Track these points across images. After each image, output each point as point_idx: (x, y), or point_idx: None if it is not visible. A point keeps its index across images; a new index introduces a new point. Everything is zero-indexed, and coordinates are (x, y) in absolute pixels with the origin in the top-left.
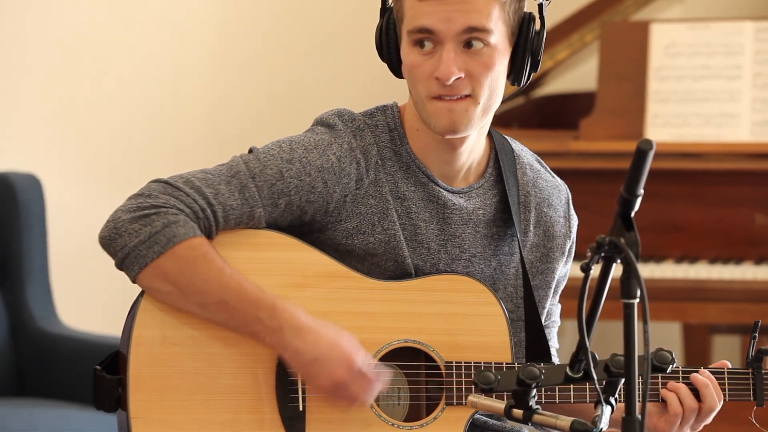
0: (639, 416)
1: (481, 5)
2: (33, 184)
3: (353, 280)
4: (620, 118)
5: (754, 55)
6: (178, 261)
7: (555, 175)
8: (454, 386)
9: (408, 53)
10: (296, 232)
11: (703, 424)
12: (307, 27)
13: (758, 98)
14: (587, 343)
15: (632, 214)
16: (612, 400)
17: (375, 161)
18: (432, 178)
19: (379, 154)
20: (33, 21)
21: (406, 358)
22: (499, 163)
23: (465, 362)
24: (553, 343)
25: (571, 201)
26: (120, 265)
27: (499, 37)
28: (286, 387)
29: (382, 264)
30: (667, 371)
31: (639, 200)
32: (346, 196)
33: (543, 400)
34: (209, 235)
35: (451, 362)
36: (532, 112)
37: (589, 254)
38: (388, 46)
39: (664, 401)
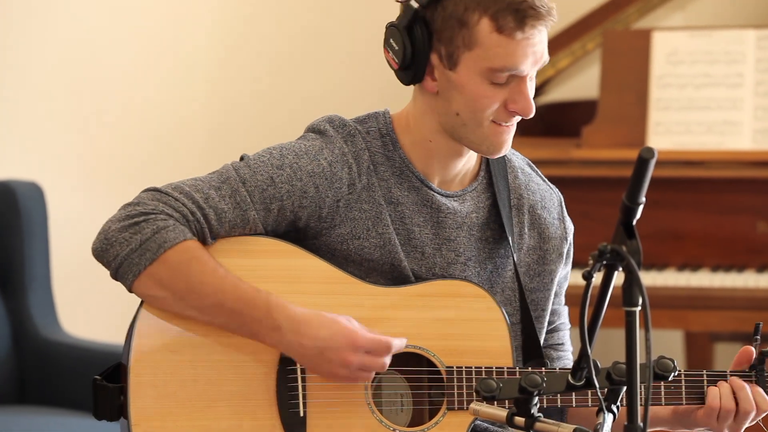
0: (641, 424)
1: (546, 37)
2: (35, 191)
3: (352, 285)
4: (622, 126)
5: (755, 63)
6: (171, 266)
7: (546, 180)
8: (455, 391)
9: (478, 84)
10: (293, 239)
11: (744, 427)
12: (307, 36)
13: (760, 106)
14: (589, 351)
15: (634, 222)
16: (614, 407)
17: (367, 166)
18: (425, 182)
19: (371, 159)
20: (35, 29)
21: (406, 364)
22: (490, 167)
23: (466, 367)
24: (568, 346)
25: (564, 204)
26: (114, 275)
27: None
28: (287, 393)
29: (379, 268)
30: (669, 379)
31: (641, 208)
32: (338, 201)
33: (546, 405)
34: (203, 240)
35: (452, 367)
36: (534, 120)
37: (591, 262)
38: (413, 55)
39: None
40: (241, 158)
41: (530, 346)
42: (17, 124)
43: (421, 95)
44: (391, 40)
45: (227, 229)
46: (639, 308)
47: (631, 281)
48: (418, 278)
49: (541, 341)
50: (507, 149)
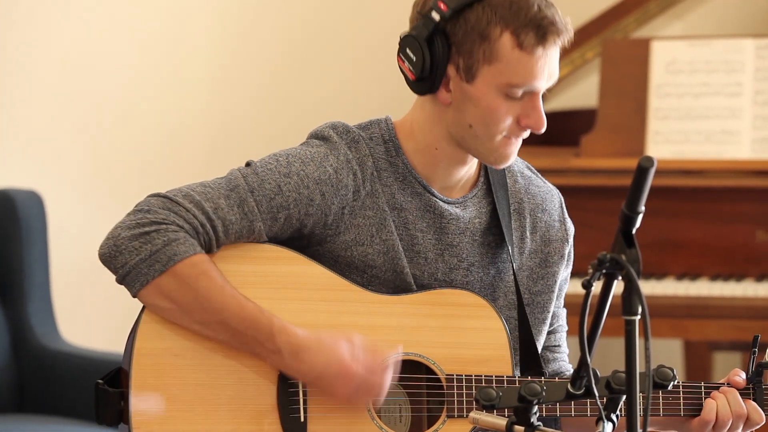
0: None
1: (558, 55)
2: (34, 200)
3: (353, 293)
4: (621, 135)
5: (754, 72)
6: (179, 279)
7: (546, 181)
8: (455, 399)
9: (494, 97)
10: (296, 246)
11: None
12: (309, 41)
13: (759, 115)
14: (589, 360)
15: (633, 231)
16: (613, 416)
17: (371, 172)
18: (428, 188)
19: (375, 165)
20: (34, 37)
21: (406, 371)
22: (488, 173)
23: (466, 375)
24: (564, 348)
25: (564, 205)
26: (121, 282)
27: None
28: (288, 398)
29: (381, 275)
30: (668, 388)
31: (640, 217)
32: (344, 208)
33: (545, 413)
34: (209, 250)
35: (452, 375)
36: None
37: (590, 271)
38: (431, 67)
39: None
40: (248, 164)
41: (527, 350)
42: (16, 132)
43: (431, 105)
44: (408, 51)
45: (233, 240)
46: (638, 317)
47: (631, 290)
48: (420, 285)
49: (541, 343)
50: (513, 160)
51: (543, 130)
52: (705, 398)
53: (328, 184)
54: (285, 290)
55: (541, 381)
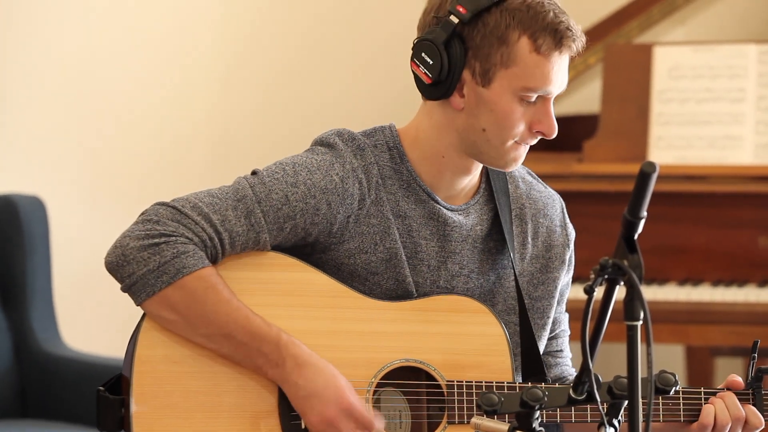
0: None
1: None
2: (37, 205)
3: (354, 300)
4: (624, 141)
5: (757, 77)
6: (186, 292)
7: (547, 186)
8: (456, 405)
9: (509, 101)
10: (299, 253)
11: None
12: (312, 48)
13: (762, 121)
14: (591, 365)
15: (635, 237)
16: (615, 422)
17: (376, 180)
18: (432, 195)
19: (380, 173)
20: (36, 42)
21: (407, 378)
22: (490, 179)
23: (466, 381)
24: (567, 353)
25: (565, 210)
26: (126, 291)
27: None
28: (288, 404)
29: (383, 283)
30: (671, 393)
31: (642, 222)
32: (349, 217)
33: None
34: (215, 261)
35: (452, 381)
36: None
37: (592, 276)
38: (448, 71)
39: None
40: (254, 173)
41: (529, 355)
42: (19, 137)
43: (441, 110)
44: (425, 55)
45: (239, 251)
46: (640, 322)
47: (633, 295)
48: (422, 292)
49: (542, 349)
50: (520, 164)
51: (554, 136)
52: (704, 404)
53: (334, 193)
54: (286, 297)
55: (542, 386)
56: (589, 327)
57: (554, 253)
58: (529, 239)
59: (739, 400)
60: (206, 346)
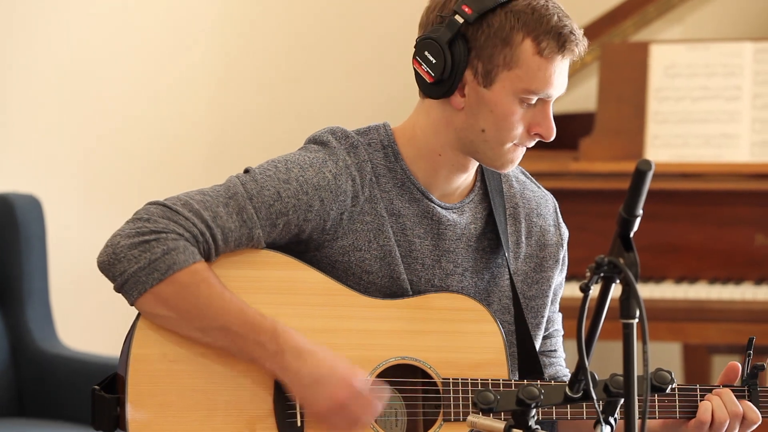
0: None
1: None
2: (33, 204)
3: (349, 298)
4: (620, 139)
5: (753, 75)
6: (179, 287)
7: (540, 186)
8: (452, 403)
9: (510, 103)
10: (293, 251)
11: None
12: (308, 48)
13: (758, 119)
14: (587, 363)
15: (631, 235)
16: (611, 419)
17: (369, 178)
18: (426, 194)
19: (374, 171)
20: (33, 42)
21: (402, 376)
22: (485, 178)
23: (462, 379)
24: (560, 353)
25: (558, 210)
26: (119, 290)
27: None
28: (285, 403)
29: (378, 281)
30: (666, 391)
31: (638, 220)
32: (342, 214)
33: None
34: (208, 258)
35: (448, 379)
36: None
37: (588, 274)
38: (451, 70)
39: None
40: (246, 171)
41: (526, 354)
42: (15, 136)
43: (440, 109)
44: (428, 53)
45: (232, 248)
46: (636, 320)
47: (629, 293)
48: (416, 291)
49: (538, 348)
50: (515, 166)
51: (552, 138)
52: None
53: (326, 189)
54: (280, 295)
55: (538, 384)
56: (585, 325)
57: (548, 252)
58: (523, 238)
59: (735, 396)
60: (201, 341)
